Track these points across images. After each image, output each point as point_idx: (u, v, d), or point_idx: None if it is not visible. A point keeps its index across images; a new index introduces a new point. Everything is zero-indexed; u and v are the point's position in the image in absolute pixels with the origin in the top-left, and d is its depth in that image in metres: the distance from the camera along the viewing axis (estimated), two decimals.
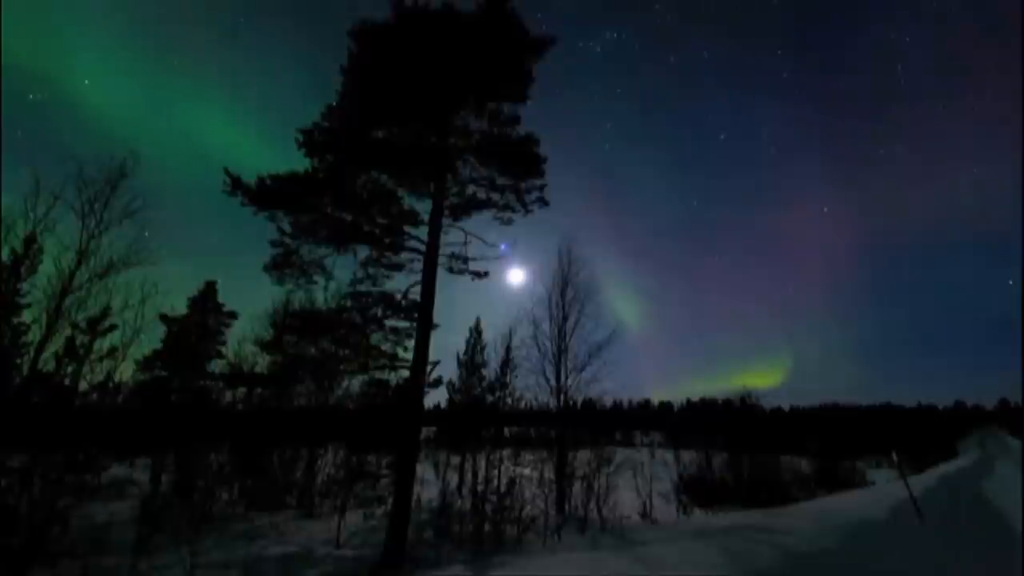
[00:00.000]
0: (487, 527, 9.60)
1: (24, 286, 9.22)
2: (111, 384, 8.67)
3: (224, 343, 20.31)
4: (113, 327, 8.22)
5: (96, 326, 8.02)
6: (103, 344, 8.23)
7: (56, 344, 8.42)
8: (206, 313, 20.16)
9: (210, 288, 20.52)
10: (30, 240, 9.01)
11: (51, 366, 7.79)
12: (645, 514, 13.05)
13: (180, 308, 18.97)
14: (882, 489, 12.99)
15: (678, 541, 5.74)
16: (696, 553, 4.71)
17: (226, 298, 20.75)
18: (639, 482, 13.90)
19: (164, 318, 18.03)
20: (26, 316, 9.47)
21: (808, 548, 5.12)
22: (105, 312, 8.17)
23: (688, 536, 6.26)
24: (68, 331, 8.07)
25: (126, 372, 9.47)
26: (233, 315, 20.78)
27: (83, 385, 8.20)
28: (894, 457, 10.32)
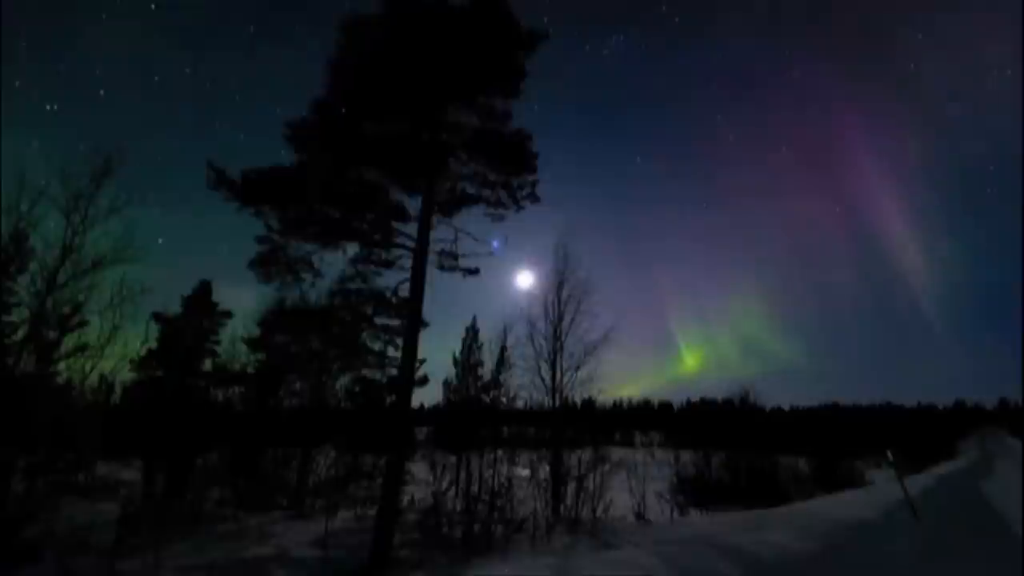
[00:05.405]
0: (477, 528, 9.46)
1: (11, 285, 9.11)
2: (89, 383, 8.52)
3: (219, 342, 20.21)
4: (83, 323, 8.06)
5: (66, 323, 7.87)
6: (75, 341, 8.07)
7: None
8: (201, 313, 20.04)
9: (205, 287, 20.41)
10: (21, 238, 8.85)
11: (32, 365, 7.65)
12: (640, 515, 12.91)
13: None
14: (879, 489, 12.84)
15: (646, 548, 5.61)
16: (633, 567, 4.57)
17: (229, 298, 20.64)
18: (633, 483, 13.77)
19: (158, 317, 17.91)
20: (15, 315, 9.37)
21: (776, 557, 4.96)
22: (75, 309, 8.01)
23: (651, 545, 6.13)
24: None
25: (106, 370, 9.23)
26: (228, 314, 20.66)
27: (58, 382, 8.05)
28: (889, 456, 10.15)
